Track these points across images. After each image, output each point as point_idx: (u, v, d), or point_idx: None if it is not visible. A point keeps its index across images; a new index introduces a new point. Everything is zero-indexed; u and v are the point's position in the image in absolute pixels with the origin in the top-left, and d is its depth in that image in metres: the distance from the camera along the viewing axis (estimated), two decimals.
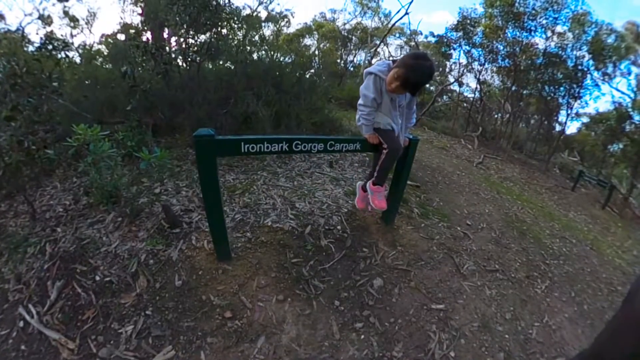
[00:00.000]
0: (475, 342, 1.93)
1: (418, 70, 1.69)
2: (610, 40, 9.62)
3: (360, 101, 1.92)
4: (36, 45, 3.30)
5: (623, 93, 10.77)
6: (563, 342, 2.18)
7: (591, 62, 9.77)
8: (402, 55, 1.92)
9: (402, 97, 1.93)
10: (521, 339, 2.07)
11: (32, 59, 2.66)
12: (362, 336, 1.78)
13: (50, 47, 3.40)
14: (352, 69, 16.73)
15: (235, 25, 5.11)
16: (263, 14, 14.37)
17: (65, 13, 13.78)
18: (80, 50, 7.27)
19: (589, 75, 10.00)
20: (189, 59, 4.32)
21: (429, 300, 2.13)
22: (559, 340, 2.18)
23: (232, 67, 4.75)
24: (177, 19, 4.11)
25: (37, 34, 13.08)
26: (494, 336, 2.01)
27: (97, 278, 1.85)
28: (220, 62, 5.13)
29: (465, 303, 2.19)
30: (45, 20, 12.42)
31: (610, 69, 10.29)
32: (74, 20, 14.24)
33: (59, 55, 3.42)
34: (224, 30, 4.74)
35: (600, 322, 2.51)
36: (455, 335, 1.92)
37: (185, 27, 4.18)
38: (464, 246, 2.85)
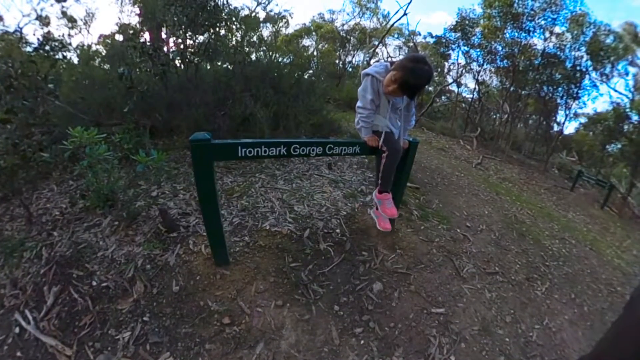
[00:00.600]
0: (475, 346, 1.92)
1: (417, 74, 1.67)
2: (608, 40, 9.69)
3: (358, 103, 1.91)
4: (34, 46, 3.25)
5: (621, 93, 10.88)
6: (563, 345, 2.17)
7: (589, 62, 9.83)
8: (400, 57, 1.90)
9: (400, 99, 1.91)
10: (521, 342, 2.06)
11: (28, 60, 2.63)
12: (362, 341, 1.77)
13: (47, 47, 3.37)
14: (350, 69, 16.73)
15: (234, 26, 5.08)
16: (261, 15, 14.33)
17: (64, 13, 13.70)
18: (78, 51, 7.22)
19: (587, 76, 10.08)
20: (187, 60, 4.28)
21: (429, 304, 2.12)
22: (559, 343, 2.18)
23: (230, 68, 4.71)
24: (175, 19, 4.08)
25: (34, 34, 13.02)
26: (494, 340, 2.00)
27: (94, 283, 1.83)
28: (218, 63, 5.09)
29: (466, 306, 2.18)
30: (43, 20, 12.34)
31: (608, 70, 10.38)
32: (72, 20, 14.17)
33: (57, 56, 3.39)
34: (222, 31, 4.71)
35: (600, 324, 2.51)
36: (456, 340, 1.91)
37: (183, 27, 4.16)
38: (463, 248, 2.84)
